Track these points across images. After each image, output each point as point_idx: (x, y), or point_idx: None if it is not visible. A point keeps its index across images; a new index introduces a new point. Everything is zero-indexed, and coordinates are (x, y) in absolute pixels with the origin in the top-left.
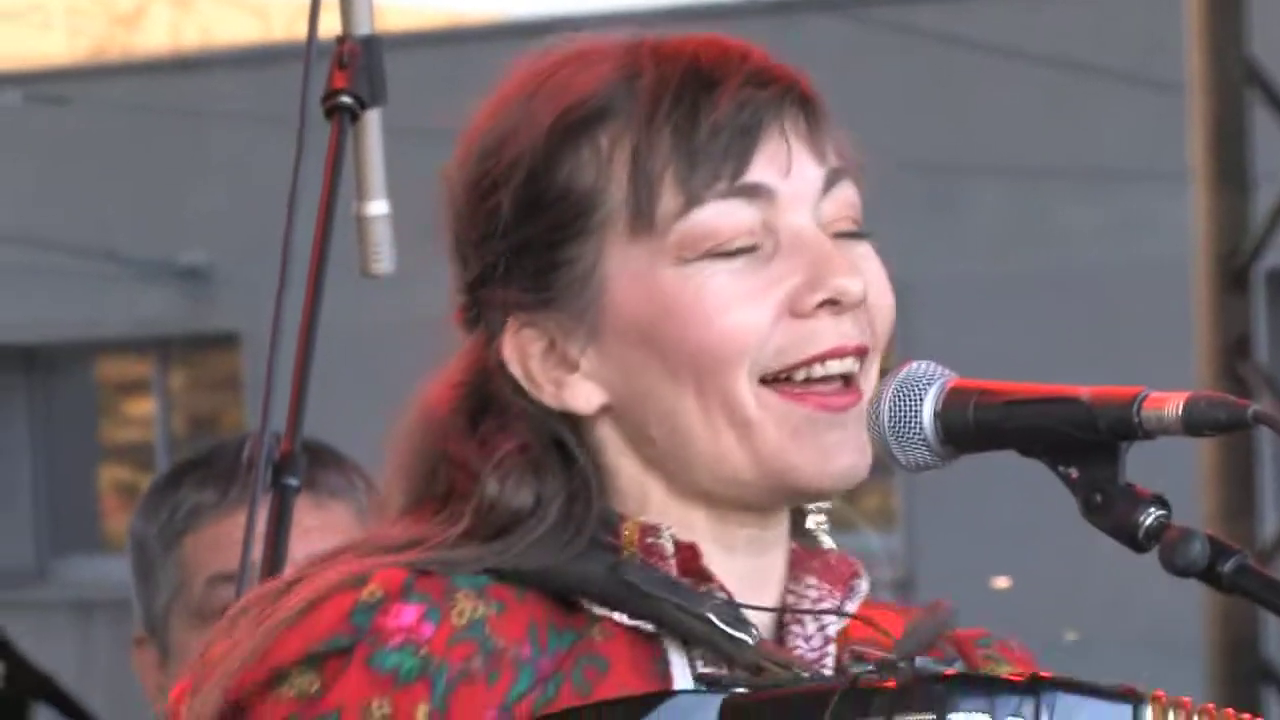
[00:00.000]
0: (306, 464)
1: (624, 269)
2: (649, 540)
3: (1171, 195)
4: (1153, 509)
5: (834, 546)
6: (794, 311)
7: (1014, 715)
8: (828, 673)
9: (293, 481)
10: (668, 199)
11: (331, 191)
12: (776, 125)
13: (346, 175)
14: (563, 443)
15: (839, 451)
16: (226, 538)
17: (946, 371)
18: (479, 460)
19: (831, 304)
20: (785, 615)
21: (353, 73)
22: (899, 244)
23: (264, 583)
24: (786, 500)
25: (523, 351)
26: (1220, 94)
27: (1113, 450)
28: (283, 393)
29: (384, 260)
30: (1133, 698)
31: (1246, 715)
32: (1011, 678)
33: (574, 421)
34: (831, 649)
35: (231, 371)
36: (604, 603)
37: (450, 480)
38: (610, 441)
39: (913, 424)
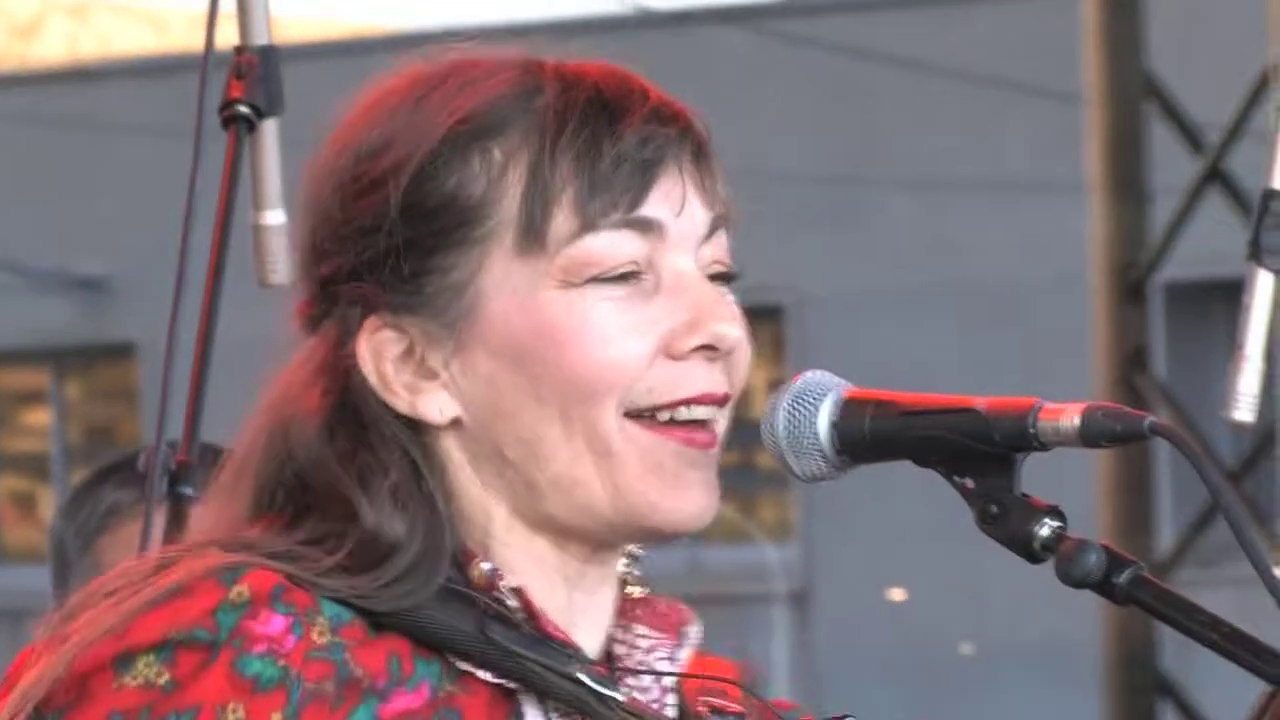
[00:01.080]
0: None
1: (504, 285)
2: (494, 593)
3: (1071, 207)
4: (1048, 520)
5: (642, 595)
6: (669, 352)
7: None
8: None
9: (188, 490)
10: (561, 221)
11: (228, 202)
12: (675, 164)
13: (244, 185)
14: (416, 465)
15: (696, 490)
16: (141, 537)
17: (842, 381)
18: (351, 484)
19: (708, 349)
20: (616, 666)
21: (250, 83)
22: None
23: (131, 562)
24: (635, 538)
25: (378, 352)
26: (1118, 106)
27: (1009, 461)
28: (179, 403)
29: (280, 270)
30: None
31: None
32: None
33: (419, 433)
34: (670, 699)
35: (128, 382)
36: (470, 659)
37: (309, 495)
38: (453, 458)
39: (808, 434)
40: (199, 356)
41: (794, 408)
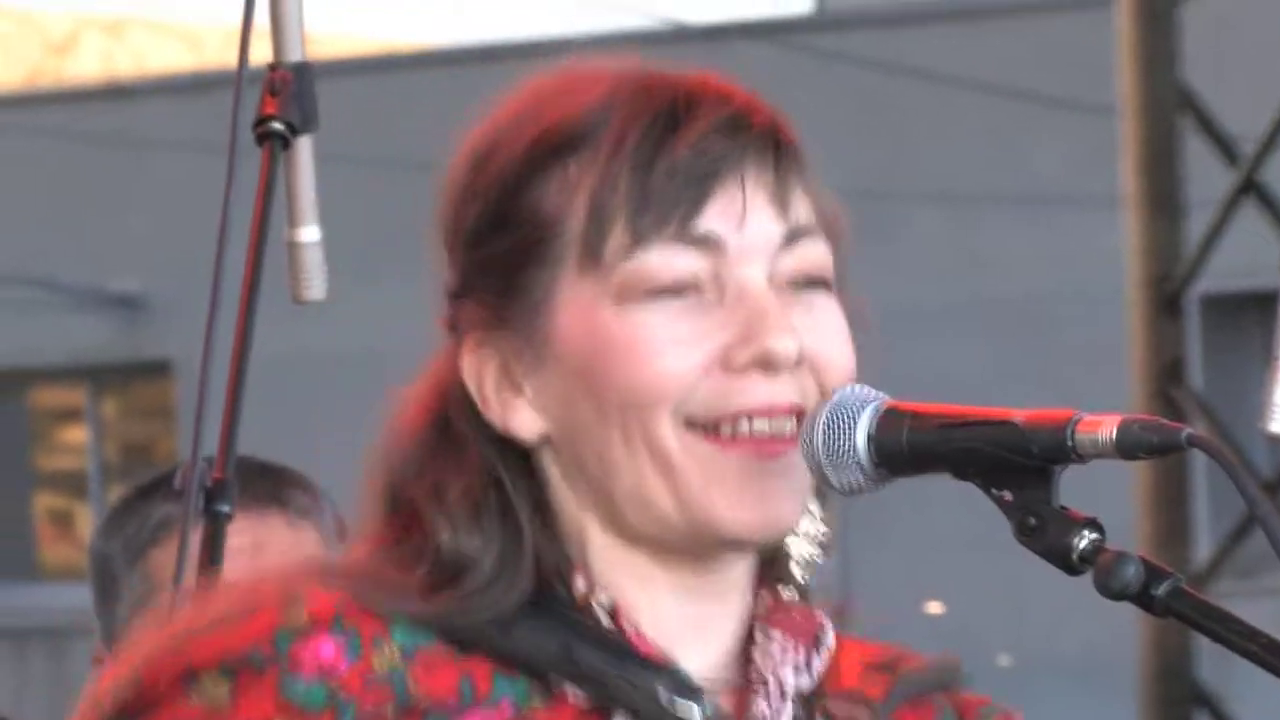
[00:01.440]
0: (276, 483)
1: (572, 302)
2: (590, 601)
3: (1103, 221)
4: (1086, 532)
5: (783, 602)
6: (725, 365)
7: None
8: None
9: (224, 508)
10: (617, 237)
11: (263, 218)
12: (736, 175)
13: (279, 202)
14: (501, 483)
15: (765, 500)
16: (194, 550)
17: (881, 395)
18: (427, 501)
19: (761, 363)
20: (752, 674)
21: (284, 100)
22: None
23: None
24: (711, 547)
25: (479, 370)
26: (1152, 119)
27: (1046, 474)
28: (215, 419)
29: (315, 287)
30: None
31: None
32: None
33: (521, 455)
34: (788, 706)
35: (164, 399)
36: (559, 676)
37: (406, 516)
38: (552, 474)
39: (847, 447)
40: (234, 373)
41: (832, 421)
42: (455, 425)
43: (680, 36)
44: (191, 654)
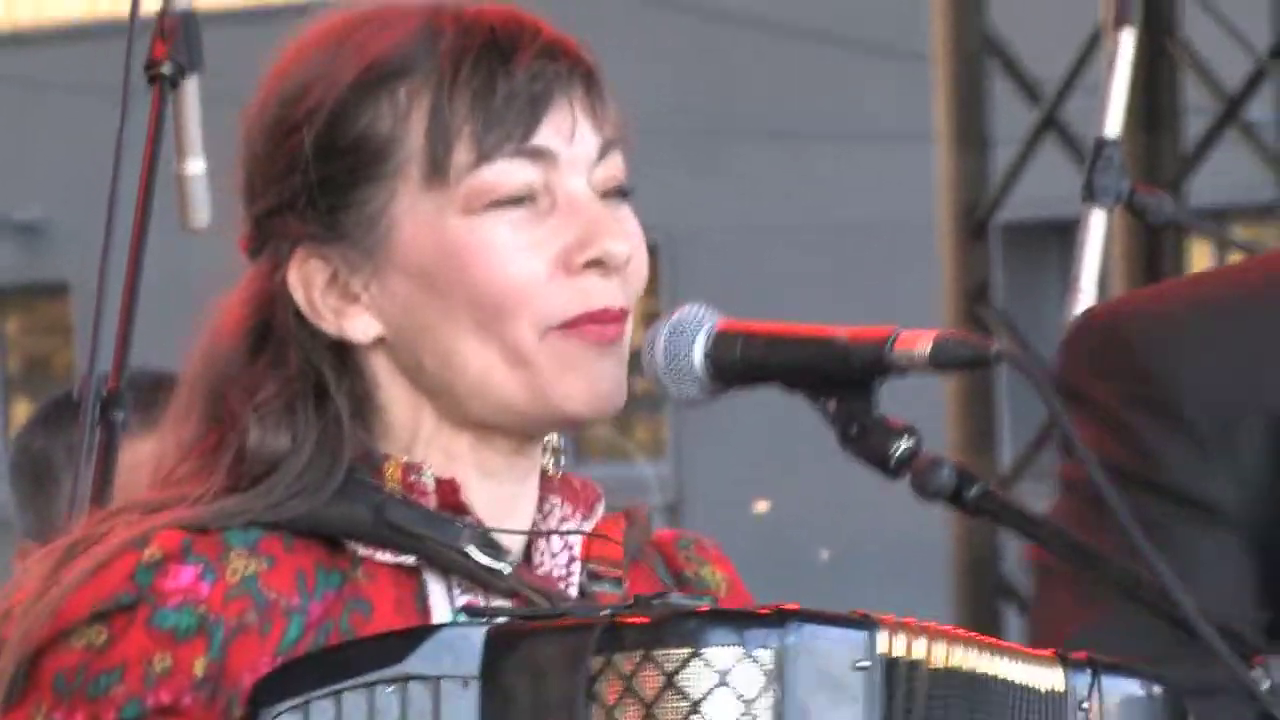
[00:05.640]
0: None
1: (413, 213)
2: (411, 478)
3: (920, 155)
4: (904, 439)
5: (559, 475)
6: (566, 268)
7: (762, 646)
8: (573, 590)
9: (119, 415)
10: (461, 154)
11: (154, 152)
12: (564, 96)
13: (167, 137)
14: (323, 381)
15: (606, 381)
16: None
17: (716, 314)
18: (241, 399)
19: (598, 264)
20: (533, 536)
21: (172, 44)
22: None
23: (55, 540)
24: (552, 425)
25: (307, 280)
26: (961, 63)
27: (867, 385)
28: (109, 336)
29: (202, 215)
30: (866, 623)
31: (963, 630)
32: (760, 611)
33: (344, 354)
34: (577, 566)
35: (62, 318)
36: (368, 543)
37: (222, 418)
38: (383, 371)
39: (685, 362)
40: (128, 294)
41: (672, 337)
42: (275, 332)
43: None
44: (59, 618)
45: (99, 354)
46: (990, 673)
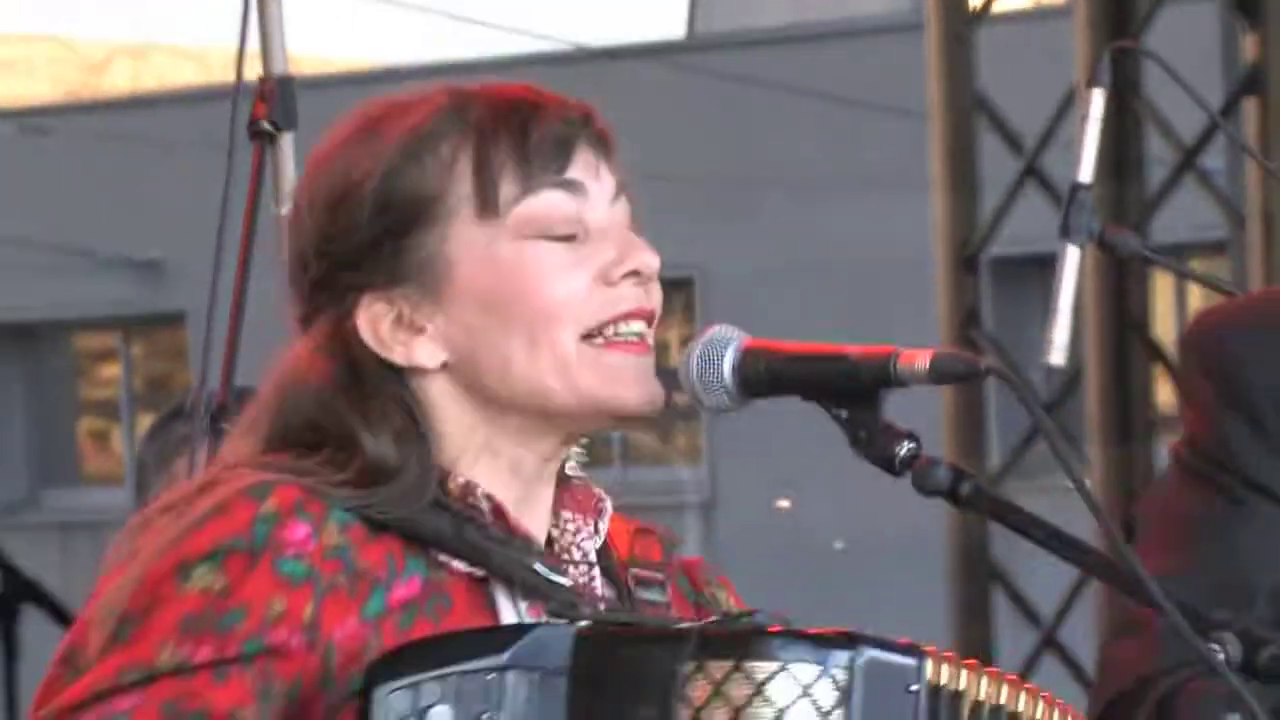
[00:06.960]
0: None
1: (469, 248)
2: (469, 498)
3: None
4: (906, 442)
5: (582, 476)
6: (605, 280)
7: (838, 666)
8: (596, 590)
9: (226, 426)
10: (507, 188)
11: (255, 199)
12: (585, 142)
13: (268, 186)
14: (409, 408)
15: (641, 384)
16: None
17: (743, 334)
18: (355, 420)
19: (635, 275)
20: (557, 547)
21: (271, 105)
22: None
23: (182, 486)
24: (604, 424)
25: (373, 322)
26: (954, 119)
27: (874, 396)
28: (219, 358)
29: None
30: (916, 651)
31: (1000, 671)
32: (831, 633)
33: (413, 381)
34: (596, 572)
35: (180, 343)
36: (449, 552)
37: (323, 433)
38: (442, 394)
39: (715, 375)
40: (234, 321)
41: (704, 353)
42: (363, 368)
43: (583, 57)
44: (182, 550)
45: (209, 373)
46: (1022, 712)
